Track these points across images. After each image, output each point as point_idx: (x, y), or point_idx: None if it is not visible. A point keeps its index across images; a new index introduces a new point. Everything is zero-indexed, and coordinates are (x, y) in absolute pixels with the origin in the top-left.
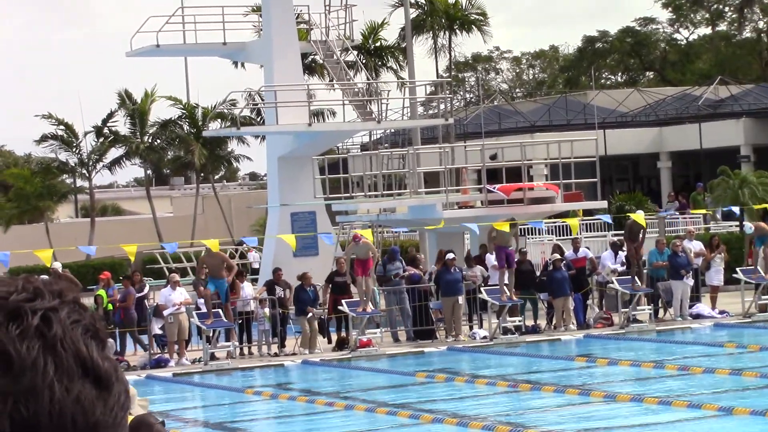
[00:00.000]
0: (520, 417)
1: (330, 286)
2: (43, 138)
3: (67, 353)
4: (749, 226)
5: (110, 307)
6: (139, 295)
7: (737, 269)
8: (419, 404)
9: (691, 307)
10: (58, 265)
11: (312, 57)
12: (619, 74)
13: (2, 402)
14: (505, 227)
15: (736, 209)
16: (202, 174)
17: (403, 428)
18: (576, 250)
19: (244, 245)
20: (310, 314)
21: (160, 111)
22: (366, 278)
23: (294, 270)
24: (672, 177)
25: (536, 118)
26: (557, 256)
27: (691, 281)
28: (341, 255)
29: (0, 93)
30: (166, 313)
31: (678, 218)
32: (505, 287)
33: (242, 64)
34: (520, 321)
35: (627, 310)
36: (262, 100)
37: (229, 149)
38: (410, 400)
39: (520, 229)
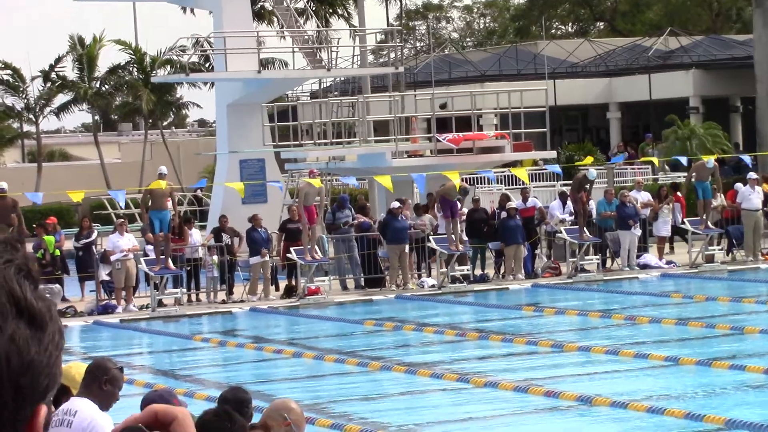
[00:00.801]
0: (468, 366)
1: (283, 234)
2: None
3: (0, 293)
4: (593, 172)
5: (57, 252)
6: (87, 240)
7: (684, 220)
8: (367, 352)
9: (638, 257)
10: (4, 185)
11: (261, 3)
12: (570, 24)
13: None
14: (454, 183)
15: (683, 159)
16: (150, 120)
17: (351, 376)
18: (525, 199)
19: (198, 191)
20: (265, 257)
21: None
22: (314, 226)
23: (243, 217)
24: (621, 128)
25: (486, 67)
26: (512, 204)
27: (638, 231)
28: (291, 203)
29: None
30: (113, 258)
31: (626, 169)
32: (452, 236)
33: (191, 10)
34: (468, 270)
35: (575, 259)
36: (211, 46)
37: (177, 95)
38: (358, 348)
39: (469, 179)
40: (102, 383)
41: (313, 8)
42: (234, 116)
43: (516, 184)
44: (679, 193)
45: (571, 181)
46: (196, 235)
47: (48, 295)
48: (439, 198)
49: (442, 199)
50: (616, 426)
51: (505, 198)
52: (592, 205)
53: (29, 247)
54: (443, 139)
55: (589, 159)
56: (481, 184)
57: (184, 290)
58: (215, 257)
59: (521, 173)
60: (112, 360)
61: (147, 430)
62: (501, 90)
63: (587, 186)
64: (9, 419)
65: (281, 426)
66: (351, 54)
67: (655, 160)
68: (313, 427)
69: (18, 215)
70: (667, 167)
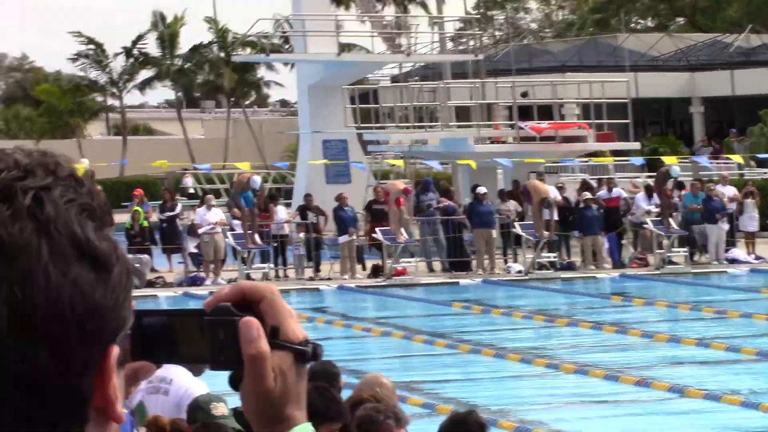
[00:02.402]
0: (557, 351)
1: (369, 214)
2: (76, 56)
3: (62, 235)
4: (676, 170)
5: (146, 223)
6: (172, 213)
7: None
8: (456, 334)
9: (726, 251)
10: (188, 182)
11: None
12: (649, 19)
13: None
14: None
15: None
16: (232, 99)
17: (440, 357)
18: (609, 189)
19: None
20: (352, 236)
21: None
22: (400, 208)
23: (326, 197)
24: (704, 122)
25: (566, 58)
26: (587, 194)
27: (726, 226)
28: (376, 183)
29: (30, 9)
30: (200, 231)
31: (711, 163)
32: (540, 224)
33: None
34: (555, 257)
35: (662, 251)
36: (291, 27)
37: (259, 75)
38: (447, 329)
39: (552, 167)
40: None
41: None
42: (315, 97)
43: (599, 175)
44: None
45: (655, 173)
46: (282, 212)
47: (138, 266)
48: (531, 191)
49: (525, 190)
50: (707, 419)
51: (584, 184)
52: (677, 199)
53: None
54: (525, 126)
55: (674, 159)
56: (566, 172)
57: (272, 266)
58: (302, 234)
59: (606, 161)
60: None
61: (235, 309)
62: (582, 80)
63: (670, 182)
64: (79, 365)
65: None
66: (430, 41)
67: (738, 158)
68: (404, 404)
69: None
70: (752, 163)
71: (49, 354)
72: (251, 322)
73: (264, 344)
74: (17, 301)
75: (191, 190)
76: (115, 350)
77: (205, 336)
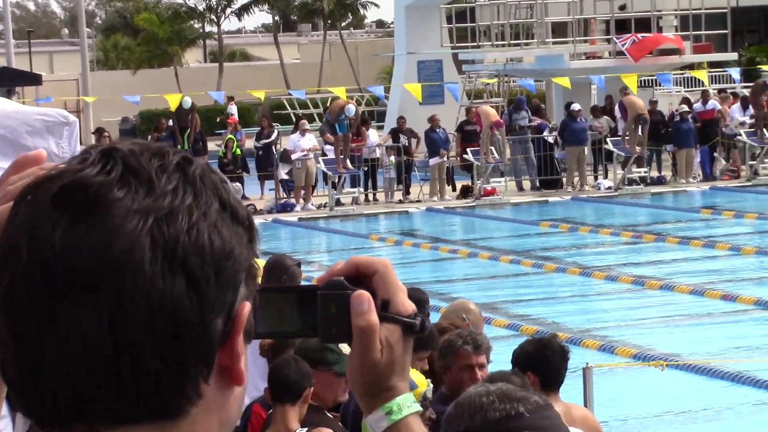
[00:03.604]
0: (644, 268)
1: (461, 135)
2: None
3: (206, 188)
4: None
5: (239, 151)
6: (267, 140)
7: None
8: (542, 252)
9: None
10: (188, 100)
11: None
12: None
13: (143, 219)
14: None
15: None
16: (329, 21)
17: (527, 276)
18: (705, 102)
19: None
20: (443, 158)
21: None
22: (494, 131)
23: (420, 118)
24: None
25: None
26: (685, 107)
27: None
28: (469, 104)
29: None
30: (294, 157)
31: None
32: (634, 139)
33: None
34: (645, 172)
35: (754, 162)
36: None
37: None
38: (534, 248)
39: (647, 80)
40: (281, 281)
41: None
42: (412, 17)
43: (695, 86)
44: None
45: (751, 84)
46: (374, 136)
47: None
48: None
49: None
50: None
51: (686, 101)
52: None
53: (212, 146)
54: (621, 45)
55: None
56: (658, 86)
57: (362, 190)
58: (393, 158)
59: (701, 75)
60: (290, 257)
61: (348, 284)
62: None
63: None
64: (212, 303)
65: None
66: None
67: None
68: (490, 327)
69: (195, 118)
70: None
71: (186, 286)
72: (362, 295)
73: (374, 317)
74: (161, 233)
75: (236, 117)
76: (247, 306)
77: (318, 309)
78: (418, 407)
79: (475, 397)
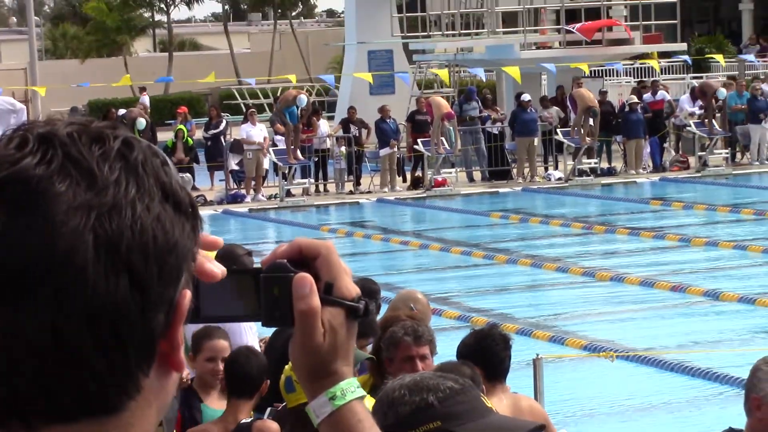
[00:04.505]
0: (594, 259)
1: (411, 125)
2: None
3: (148, 176)
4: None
5: (190, 141)
6: (216, 131)
7: None
8: (493, 244)
9: None
10: (145, 100)
11: None
12: None
13: (85, 216)
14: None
15: None
16: (279, 10)
17: (477, 268)
18: (654, 92)
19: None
20: (393, 148)
21: None
22: (443, 121)
23: (371, 108)
24: (753, 19)
25: None
26: (634, 98)
27: None
28: (419, 94)
29: None
30: (246, 148)
31: (758, 61)
32: (580, 129)
33: None
34: (595, 163)
35: (703, 153)
36: None
37: None
38: (484, 240)
39: (598, 71)
40: None
41: None
42: (363, 7)
43: (646, 77)
44: None
45: (701, 74)
46: (324, 126)
47: None
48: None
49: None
50: (743, 322)
51: (635, 91)
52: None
53: (162, 136)
54: (573, 30)
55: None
56: (609, 76)
57: (312, 181)
58: (343, 148)
59: (653, 64)
60: (241, 246)
61: (291, 266)
62: None
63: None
64: (154, 300)
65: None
66: None
67: None
68: (439, 318)
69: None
70: None
71: (129, 284)
72: (304, 278)
73: (315, 300)
74: (104, 231)
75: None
76: (188, 295)
77: (261, 292)
78: (362, 392)
79: (389, 392)
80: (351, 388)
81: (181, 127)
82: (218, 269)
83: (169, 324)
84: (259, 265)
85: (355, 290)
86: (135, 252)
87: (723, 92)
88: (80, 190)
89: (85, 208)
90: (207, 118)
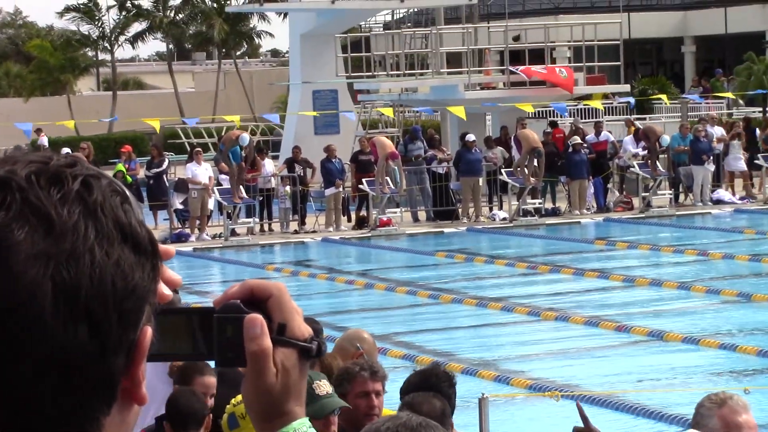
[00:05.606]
0: (539, 299)
1: (355, 165)
2: (66, 10)
3: (107, 218)
4: (665, 138)
5: (129, 179)
6: (159, 170)
7: (759, 155)
8: (439, 284)
9: (712, 192)
10: (44, 141)
11: None
12: None
13: (44, 265)
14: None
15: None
16: (223, 50)
17: (422, 307)
18: (598, 133)
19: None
20: (339, 188)
21: None
22: (387, 161)
23: (315, 148)
24: (696, 62)
25: (560, 0)
26: (577, 138)
27: (712, 167)
28: (363, 134)
29: None
30: (191, 187)
31: (701, 103)
32: (524, 169)
33: None
34: (540, 203)
35: (647, 194)
36: None
37: (251, 25)
38: (430, 280)
39: (541, 111)
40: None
41: None
42: (307, 47)
43: (589, 118)
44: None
45: (644, 116)
46: (269, 165)
47: None
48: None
49: (516, 139)
50: (687, 362)
51: (574, 130)
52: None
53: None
54: (517, 71)
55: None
56: (554, 116)
57: (257, 220)
58: (288, 188)
59: (595, 103)
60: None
61: (244, 307)
62: (575, 23)
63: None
64: (114, 344)
65: (354, 355)
66: None
67: (730, 94)
68: (385, 357)
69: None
70: (741, 102)
71: (88, 332)
72: (255, 319)
73: (266, 341)
74: (62, 279)
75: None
76: (149, 332)
77: (214, 333)
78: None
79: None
80: (303, 428)
81: (120, 167)
82: (176, 277)
83: (130, 363)
84: (201, 304)
85: (307, 330)
86: (94, 299)
87: (666, 139)
88: (38, 237)
89: (43, 256)
90: (149, 157)
